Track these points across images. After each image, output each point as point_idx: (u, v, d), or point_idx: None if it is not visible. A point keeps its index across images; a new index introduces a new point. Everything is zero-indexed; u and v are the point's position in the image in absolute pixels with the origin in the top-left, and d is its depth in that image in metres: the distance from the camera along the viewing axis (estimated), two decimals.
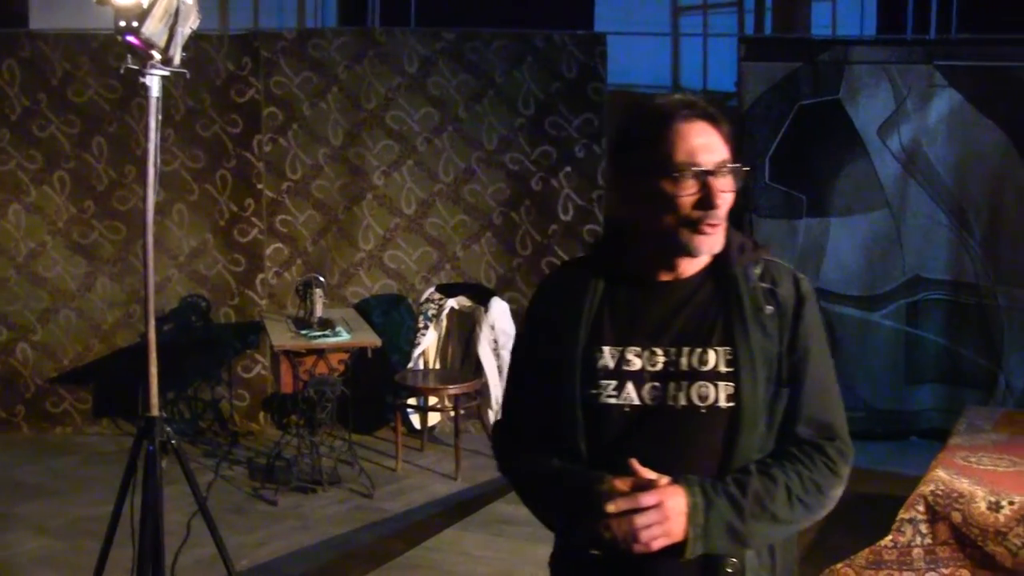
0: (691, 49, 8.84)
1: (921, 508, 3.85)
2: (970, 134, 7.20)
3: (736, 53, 7.46)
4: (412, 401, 6.97)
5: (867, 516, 5.31)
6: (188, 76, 3.96)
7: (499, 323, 6.84)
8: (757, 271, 2.10)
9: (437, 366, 7.12)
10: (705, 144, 2.03)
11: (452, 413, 6.68)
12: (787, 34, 8.14)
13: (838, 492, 2.12)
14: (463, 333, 7.04)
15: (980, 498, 3.77)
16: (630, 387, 2.08)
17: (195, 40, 4.44)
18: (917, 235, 7.33)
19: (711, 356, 2.05)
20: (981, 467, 4.11)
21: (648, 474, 1.98)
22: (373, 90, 7.41)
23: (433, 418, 7.26)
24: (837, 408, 2.17)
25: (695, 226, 2.03)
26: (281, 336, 6.34)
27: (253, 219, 7.36)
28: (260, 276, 7.40)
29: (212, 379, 7.47)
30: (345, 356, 6.33)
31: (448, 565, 5.19)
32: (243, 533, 5.58)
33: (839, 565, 3.93)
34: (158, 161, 3.84)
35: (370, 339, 6.34)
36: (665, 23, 8.81)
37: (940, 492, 3.84)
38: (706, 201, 2.02)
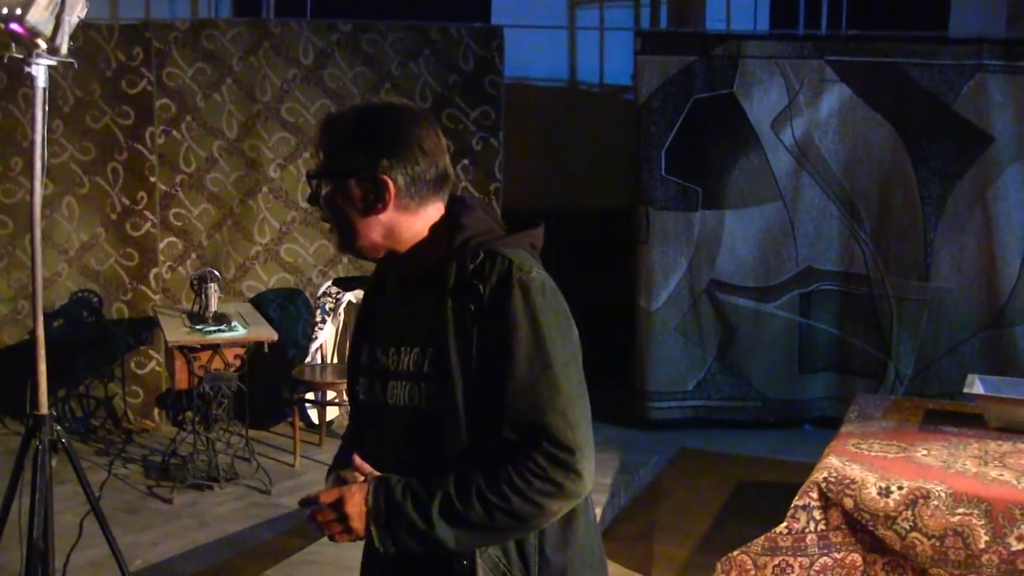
0: (587, 43, 8.89)
1: (815, 495, 3.92)
2: (860, 128, 7.34)
3: (632, 47, 7.51)
4: (310, 396, 6.92)
5: (762, 503, 5.41)
6: (76, 66, 3.88)
7: None
8: (473, 266, 2.03)
9: (335, 360, 7.07)
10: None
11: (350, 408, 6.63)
12: (682, 28, 8.23)
13: (556, 502, 1.98)
14: None
15: (871, 484, 3.85)
16: (366, 383, 2.22)
17: (84, 29, 4.35)
18: (809, 227, 7.46)
19: (414, 356, 2.09)
20: (872, 454, 4.19)
21: (361, 469, 2.08)
22: (268, 82, 7.32)
23: (331, 413, 7.21)
24: (554, 410, 1.97)
25: None
26: (175, 331, 6.25)
27: (146, 212, 7.23)
28: (154, 271, 7.28)
29: (104, 376, 7.33)
30: (241, 351, 6.25)
31: (347, 560, 5.12)
32: (137, 532, 5.49)
33: (735, 552, 3.98)
34: (45, 153, 3.74)
35: (267, 333, 6.27)
36: (562, 17, 8.85)
37: (833, 479, 3.91)
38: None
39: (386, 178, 2.05)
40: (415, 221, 2.11)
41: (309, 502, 2.07)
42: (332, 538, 2.08)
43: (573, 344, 2.06)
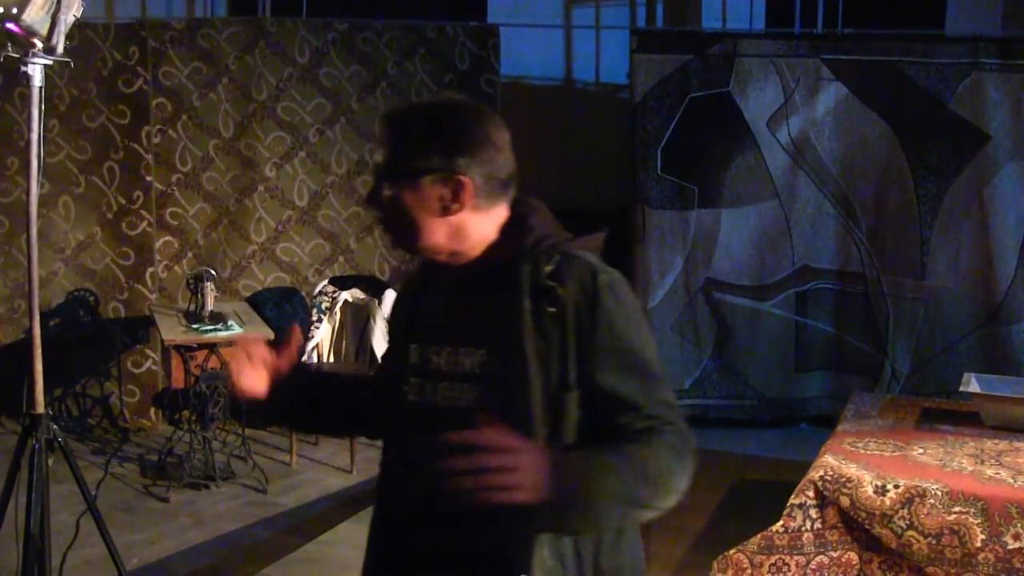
0: (583, 41, 8.89)
1: (811, 493, 3.92)
2: (856, 127, 7.34)
3: (628, 45, 7.51)
4: None
5: (758, 502, 5.40)
6: (72, 65, 3.87)
7: None
8: (548, 268, 2.00)
9: (331, 359, 7.07)
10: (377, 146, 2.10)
11: None
12: (678, 27, 8.23)
13: (685, 479, 1.96)
14: (357, 326, 7.00)
15: (867, 482, 3.85)
16: (417, 384, 2.12)
17: (80, 28, 4.33)
18: (805, 226, 7.46)
19: (478, 357, 2.04)
20: (868, 452, 4.19)
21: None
22: (264, 81, 7.32)
23: None
24: (664, 400, 1.99)
25: None
26: (172, 330, 6.25)
27: (142, 212, 7.22)
28: (150, 270, 7.27)
29: (101, 375, 7.32)
30: None
31: (344, 559, 5.16)
32: (134, 531, 5.49)
33: (731, 551, 3.98)
34: (42, 152, 3.74)
35: (263, 332, 6.27)
36: (558, 15, 8.84)
37: (829, 477, 3.91)
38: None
39: (464, 178, 2.00)
40: (484, 221, 2.06)
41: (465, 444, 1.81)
42: (493, 496, 1.79)
43: (652, 336, 2.07)
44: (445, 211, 2.02)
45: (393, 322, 2.34)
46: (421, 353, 2.13)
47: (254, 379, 2.22)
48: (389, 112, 2.13)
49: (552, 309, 1.98)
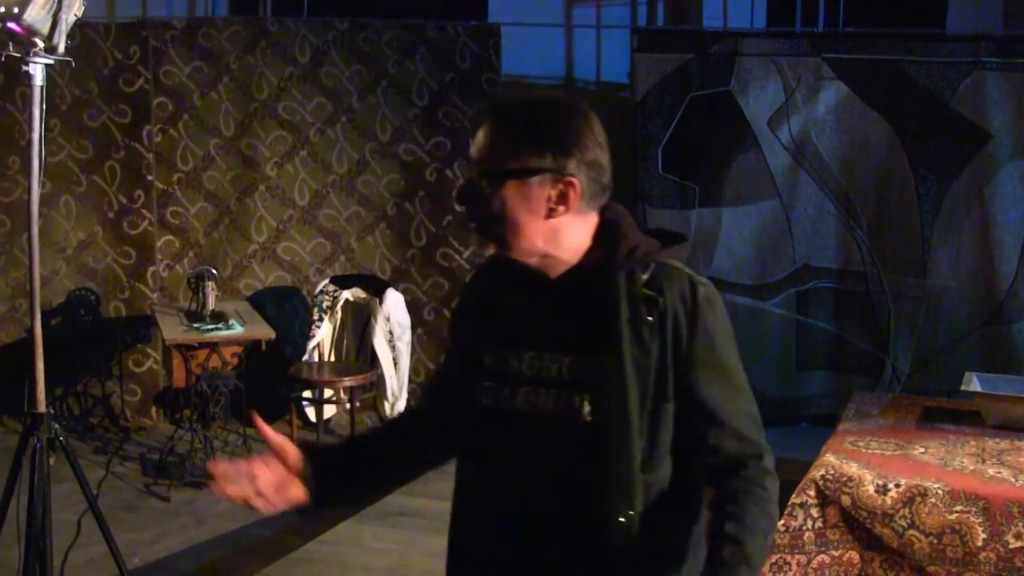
0: (584, 40, 8.87)
1: (812, 492, 3.91)
2: (857, 126, 7.34)
3: (629, 44, 7.51)
4: (307, 394, 6.92)
5: None
6: (73, 65, 3.87)
7: (394, 314, 6.82)
8: (644, 276, 1.99)
9: (332, 358, 7.07)
10: (476, 140, 2.00)
11: (347, 405, 6.64)
12: (679, 26, 8.22)
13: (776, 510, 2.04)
14: (358, 325, 7.00)
15: (868, 481, 3.85)
16: (493, 387, 2.07)
17: (81, 28, 4.34)
18: (806, 225, 7.46)
19: (567, 363, 2.00)
20: (869, 451, 4.19)
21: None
22: (265, 80, 7.32)
23: (328, 410, 7.20)
24: (755, 420, 2.06)
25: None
26: (173, 330, 6.25)
27: (143, 211, 7.22)
28: (151, 269, 7.28)
29: (102, 374, 7.32)
30: (238, 349, 6.26)
31: (344, 558, 5.16)
32: (135, 530, 5.49)
33: None
34: (43, 151, 3.74)
35: (264, 332, 6.28)
36: (558, 15, 8.83)
37: (830, 476, 3.91)
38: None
39: (574, 179, 1.95)
40: (580, 225, 2.02)
41: None
42: None
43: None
44: (550, 213, 1.97)
45: (459, 321, 2.26)
46: (499, 355, 2.08)
47: (274, 492, 2.10)
48: (495, 105, 2.04)
49: (650, 318, 1.97)
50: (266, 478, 2.07)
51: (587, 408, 1.97)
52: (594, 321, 1.98)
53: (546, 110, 2.02)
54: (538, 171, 1.94)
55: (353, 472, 2.22)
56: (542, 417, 2.00)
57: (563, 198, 1.95)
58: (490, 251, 2.04)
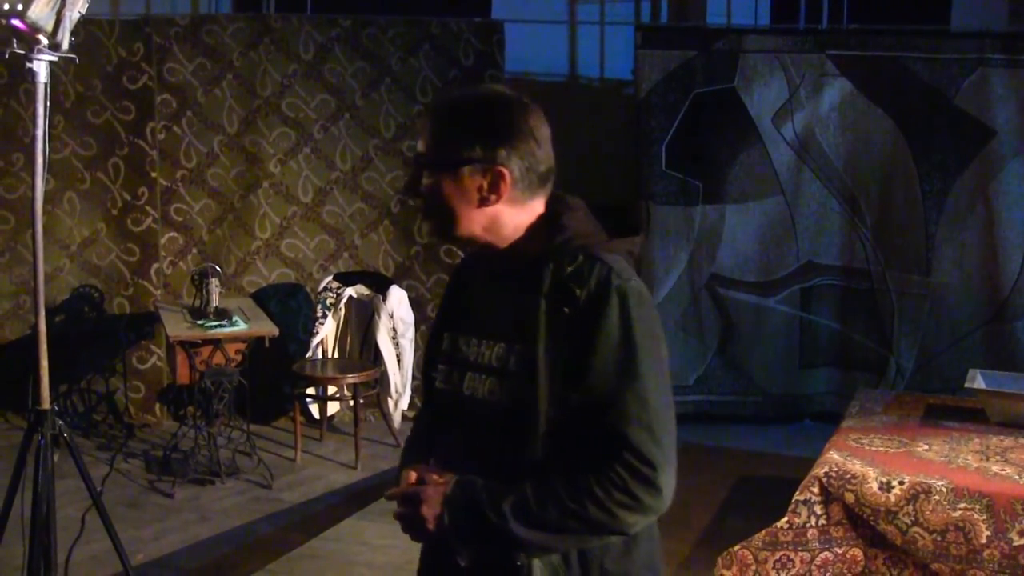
0: (588, 37, 8.87)
1: (816, 490, 3.92)
2: (861, 122, 7.34)
3: (632, 41, 7.50)
4: (311, 391, 6.92)
5: (763, 498, 5.40)
6: (77, 62, 3.88)
7: (397, 311, 6.82)
8: (570, 268, 2.00)
9: (336, 355, 7.07)
10: (420, 133, 2.11)
11: (351, 402, 6.64)
12: (683, 23, 8.21)
13: (632, 515, 1.94)
14: (361, 322, 7.00)
15: (872, 479, 3.85)
16: (444, 371, 2.18)
17: (84, 25, 4.35)
18: (810, 222, 7.45)
19: (498, 351, 2.06)
20: (873, 448, 4.19)
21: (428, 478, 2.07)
22: (269, 77, 7.32)
23: (332, 407, 7.21)
24: (639, 423, 1.94)
25: None
26: (177, 326, 6.25)
27: (147, 208, 7.23)
28: (155, 266, 7.28)
29: (106, 371, 7.33)
30: (242, 346, 6.25)
31: (348, 555, 5.17)
32: (139, 527, 5.49)
33: (736, 547, 3.98)
34: (47, 149, 3.75)
35: (267, 328, 6.28)
36: (562, 11, 8.83)
37: (834, 474, 3.91)
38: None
39: (503, 169, 2.01)
40: (519, 215, 2.07)
41: (393, 496, 2.11)
42: (412, 536, 2.09)
43: (662, 359, 2.02)
44: (483, 202, 2.03)
45: (438, 312, 2.36)
46: (453, 341, 2.18)
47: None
48: (437, 99, 2.16)
49: (567, 310, 1.98)
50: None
51: (505, 395, 2.03)
52: (521, 311, 2.02)
53: (480, 103, 2.09)
54: (468, 161, 2.02)
55: None
56: (480, 401, 2.08)
57: (494, 187, 2.02)
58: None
